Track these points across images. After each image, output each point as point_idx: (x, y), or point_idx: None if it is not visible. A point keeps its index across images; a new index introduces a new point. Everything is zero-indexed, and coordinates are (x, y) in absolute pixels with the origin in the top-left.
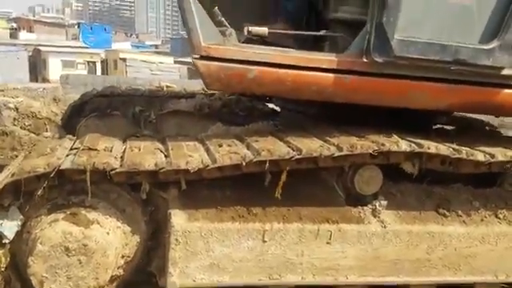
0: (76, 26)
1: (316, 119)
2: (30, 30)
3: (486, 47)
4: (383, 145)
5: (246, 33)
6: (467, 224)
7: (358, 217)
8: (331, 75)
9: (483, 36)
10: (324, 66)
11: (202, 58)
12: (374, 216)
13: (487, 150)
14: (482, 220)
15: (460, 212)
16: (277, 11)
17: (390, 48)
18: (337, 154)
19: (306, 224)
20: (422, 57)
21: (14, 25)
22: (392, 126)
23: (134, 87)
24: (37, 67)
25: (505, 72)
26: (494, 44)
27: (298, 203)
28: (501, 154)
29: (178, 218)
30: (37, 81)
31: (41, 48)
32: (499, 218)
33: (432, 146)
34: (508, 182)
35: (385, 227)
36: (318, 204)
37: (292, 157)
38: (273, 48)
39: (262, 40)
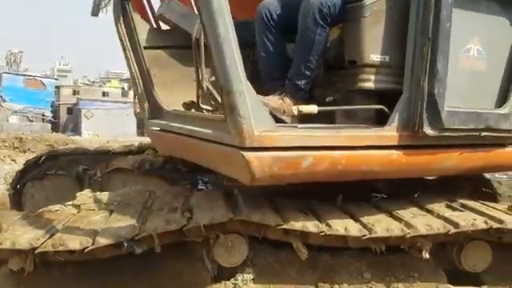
0: None
1: None
2: None
3: (502, 112)
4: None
5: (295, 113)
6: None
7: None
8: (380, 152)
9: (497, 101)
10: (373, 144)
11: (253, 149)
12: None
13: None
14: None
15: (345, 286)
16: None
17: (439, 120)
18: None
19: None
20: (464, 127)
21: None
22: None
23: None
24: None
25: None
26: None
27: (154, 284)
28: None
29: None
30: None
31: None
32: None
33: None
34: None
35: None
36: (177, 282)
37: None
38: (323, 127)
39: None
